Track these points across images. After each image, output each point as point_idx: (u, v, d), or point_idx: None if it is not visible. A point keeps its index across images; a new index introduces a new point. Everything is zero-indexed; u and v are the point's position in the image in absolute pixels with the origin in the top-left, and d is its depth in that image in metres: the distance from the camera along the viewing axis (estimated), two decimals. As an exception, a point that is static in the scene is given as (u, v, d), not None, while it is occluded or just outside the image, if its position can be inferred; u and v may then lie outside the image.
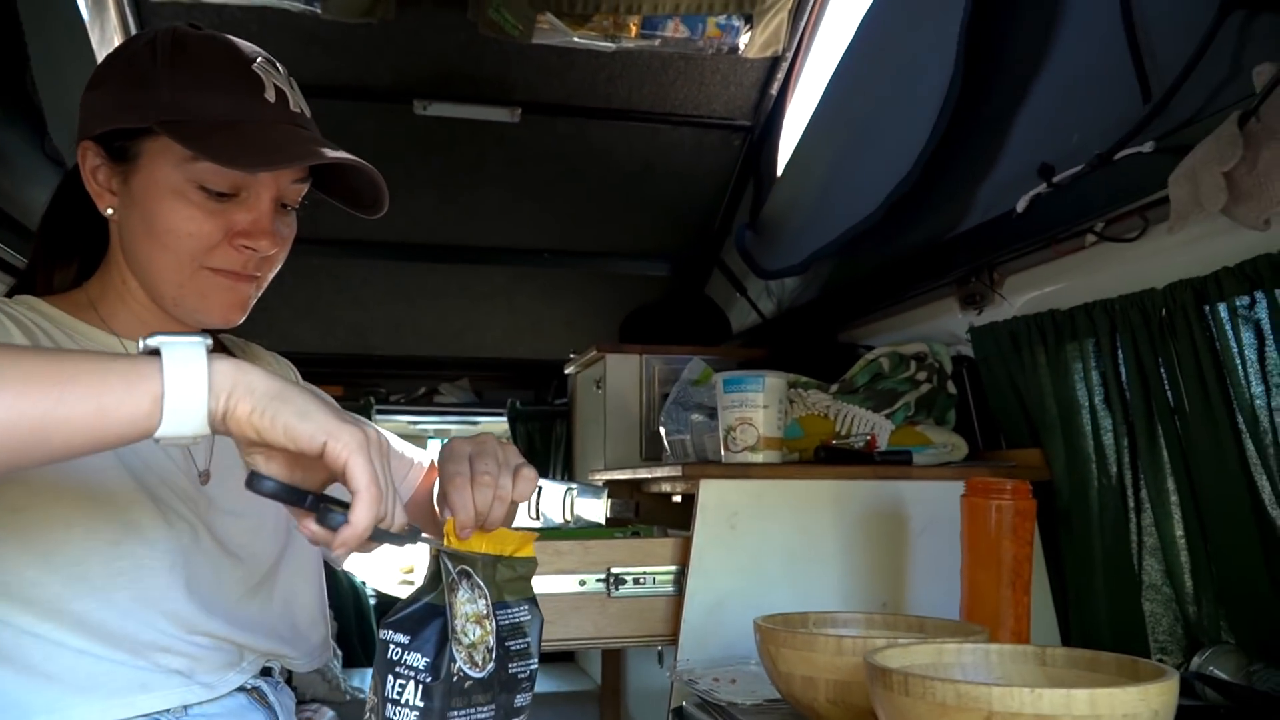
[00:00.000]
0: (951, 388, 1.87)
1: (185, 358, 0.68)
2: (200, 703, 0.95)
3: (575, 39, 2.29)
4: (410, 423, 4.15)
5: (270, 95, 0.95)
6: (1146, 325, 1.42)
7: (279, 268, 1.03)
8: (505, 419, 3.95)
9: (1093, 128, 1.43)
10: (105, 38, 2.11)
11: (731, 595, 1.59)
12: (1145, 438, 1.47)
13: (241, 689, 1.00)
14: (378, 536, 0.75)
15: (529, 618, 0.94)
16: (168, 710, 0.93)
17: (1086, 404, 1.58)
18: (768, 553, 1.62)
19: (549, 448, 3.85)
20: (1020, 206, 1.49)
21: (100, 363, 0.68)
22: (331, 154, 0.93)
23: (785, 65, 2.58)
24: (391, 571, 5.07)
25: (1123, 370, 1.50)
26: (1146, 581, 1.52)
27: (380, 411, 3.83)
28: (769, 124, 2.74)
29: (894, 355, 1.88)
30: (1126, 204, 1.38)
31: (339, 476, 0.72)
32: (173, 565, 0.93)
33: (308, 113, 1.01)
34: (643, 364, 2.52)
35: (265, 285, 1.03)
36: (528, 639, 0.93)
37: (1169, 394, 1.42)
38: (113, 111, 0.94)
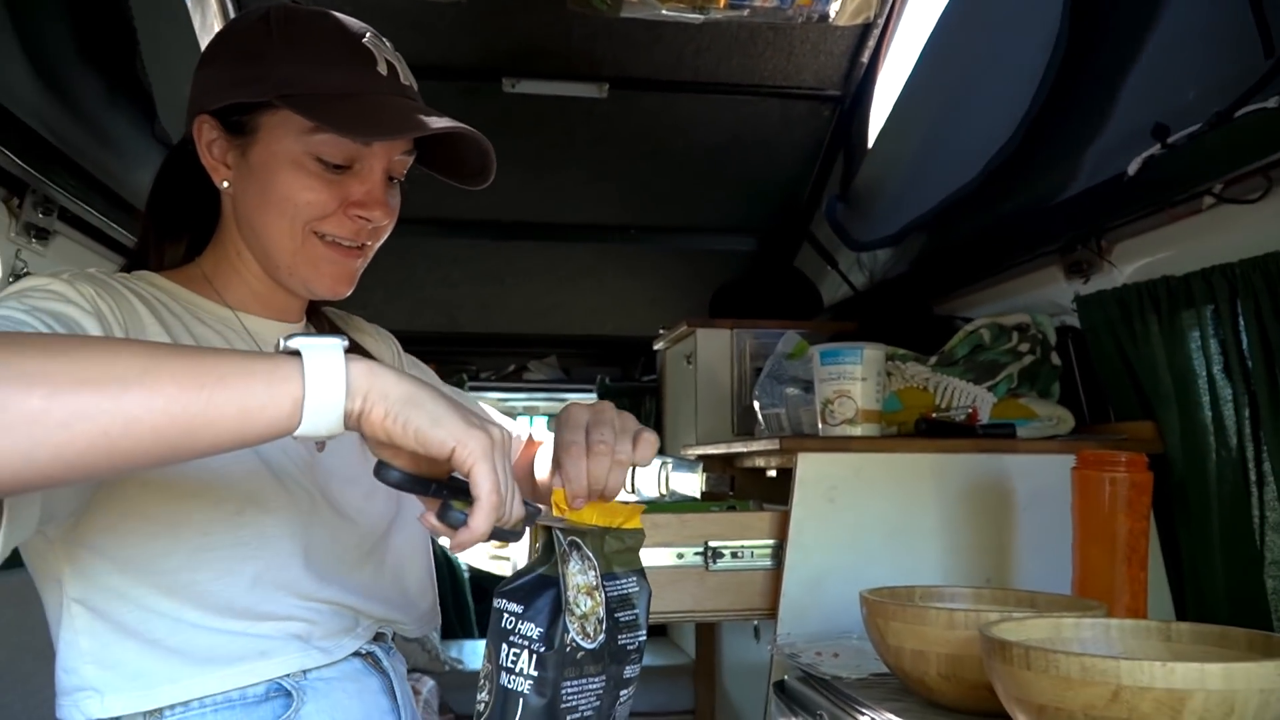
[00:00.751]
0: (1056, 359, 1.82)
1: (324, 361, 0.71)
2: (318, 667, 0.97)
3: (663, 11, 2.26)
4: (500, 399, 4.20)
5: (382, 69, 0.97)
6: (1271, 290, 1.36)
7: (384, 239, 1.04)
8: (594, 396, 3.97)
9: (1209, 84, 1.36)
10: (206, 23, 2.16)
11: (831, 569, 1.57)
12: (1269, 408, 1.40)
13: (357, 654, 1.02)
14: (495, 534, 0.77)
15: (637, 589, 0.94)
16: (287, 675, 0.95)
17: (1204, 373, 1.52)
18: (867, 527, 1.60)
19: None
20: (1132, 169, 1.43)
21: (243, 364, 0.70)
22: (444, 124, 0.94)
23: (876, 32, 2.52)
24: (482, 546, 5.12)
25: (1244, 338, 1.44)
26: (1269, 558, 1.46)
27: (471, 389, 3.89)
28: (860, 94, 2.69)
29: (994, 326, 1.83)
30: (1248, 163, 1.32)
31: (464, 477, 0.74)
32: (293, 533, 0.95)
33: (415, 86, 1.02)
34: (733, 338, 2.51)
35: (370, 258, 1.04)
36: (636, 610, 0.93)
37: (1295, 362, 1.36)
38: (229, 86, 0.96)
